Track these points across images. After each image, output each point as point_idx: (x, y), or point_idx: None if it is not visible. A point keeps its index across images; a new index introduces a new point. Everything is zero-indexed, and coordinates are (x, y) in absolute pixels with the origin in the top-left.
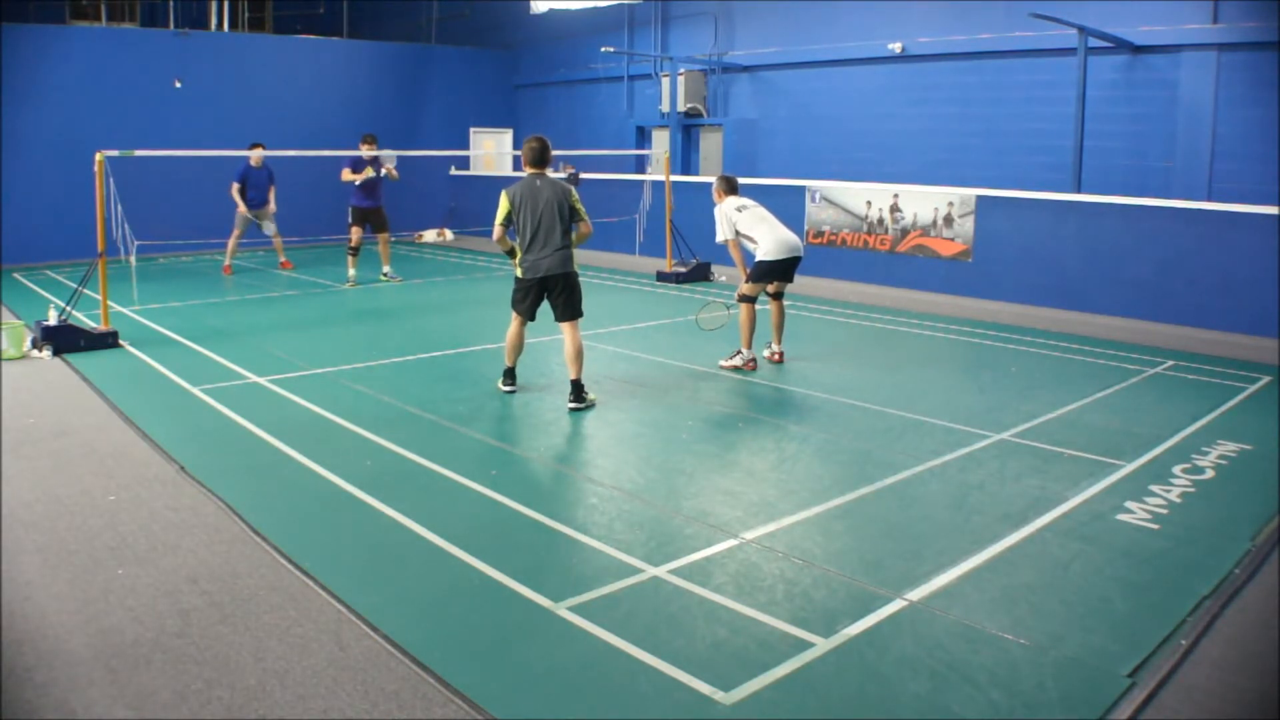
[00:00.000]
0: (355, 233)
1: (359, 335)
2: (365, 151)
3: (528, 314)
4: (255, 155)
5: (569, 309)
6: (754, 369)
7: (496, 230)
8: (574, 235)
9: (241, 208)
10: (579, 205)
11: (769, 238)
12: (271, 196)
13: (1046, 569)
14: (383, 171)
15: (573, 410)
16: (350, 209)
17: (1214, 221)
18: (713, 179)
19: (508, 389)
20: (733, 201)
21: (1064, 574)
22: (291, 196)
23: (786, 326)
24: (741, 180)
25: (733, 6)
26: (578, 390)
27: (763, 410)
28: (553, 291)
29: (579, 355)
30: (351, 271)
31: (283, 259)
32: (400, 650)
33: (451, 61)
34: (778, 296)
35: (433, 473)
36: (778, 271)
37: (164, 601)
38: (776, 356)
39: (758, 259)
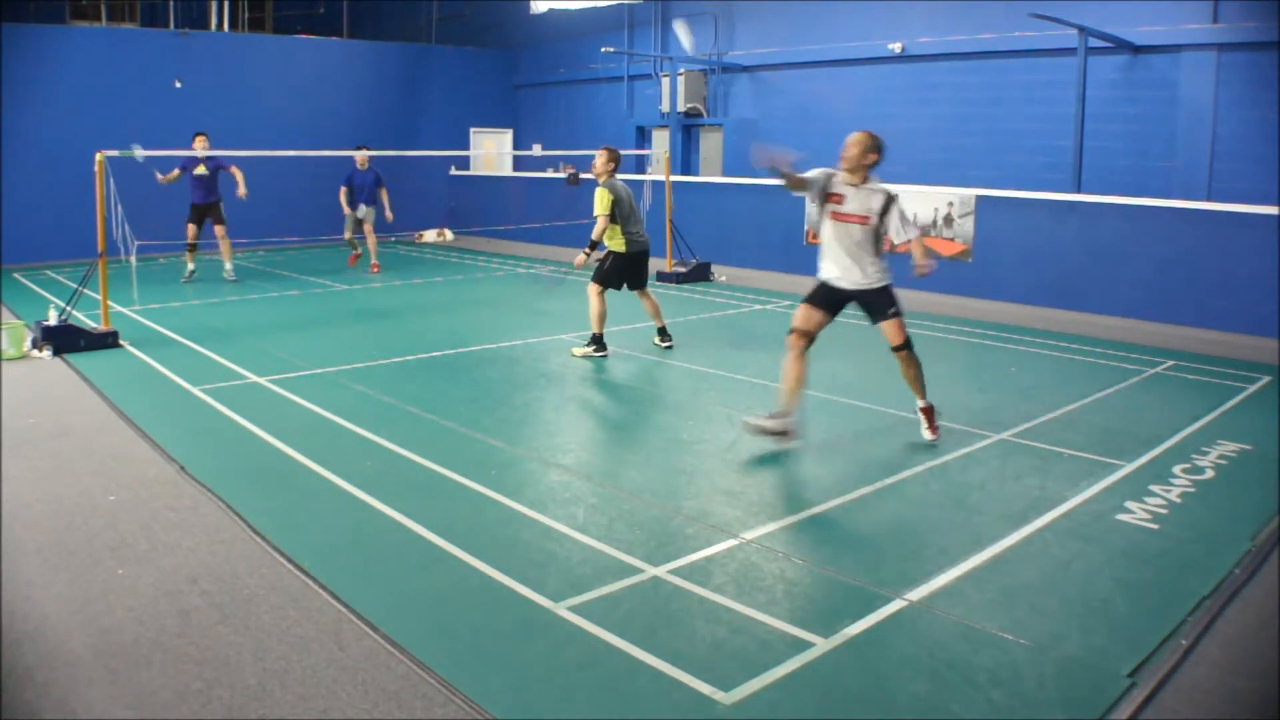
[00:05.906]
0: (191, 229)
1: (359, 335)
2: (199, 147)
3: (620, 284)
4: (360, 157)
5: (645, 279)
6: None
7: (603, 221)
8: None
9: (346, 209)
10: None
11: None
12: (384, 199)
13: (1046, 569)
14: (205, 169)
15: (665, 348)
16: (190, 206)
17: (1214, 221)
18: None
19: (601, 354)
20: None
21: (1064, 574)
22: (290, 197)
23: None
24: (741, 180)
25: (733, 6)
26: (664, 332)
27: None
28: (640, 263)
29: (659, 309)
30: (190, 266)
31: (374, 260)
32: (400, 650)
33: (451, 61)
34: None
35: (433, 473)
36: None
37: (164, 601)
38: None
39: None
